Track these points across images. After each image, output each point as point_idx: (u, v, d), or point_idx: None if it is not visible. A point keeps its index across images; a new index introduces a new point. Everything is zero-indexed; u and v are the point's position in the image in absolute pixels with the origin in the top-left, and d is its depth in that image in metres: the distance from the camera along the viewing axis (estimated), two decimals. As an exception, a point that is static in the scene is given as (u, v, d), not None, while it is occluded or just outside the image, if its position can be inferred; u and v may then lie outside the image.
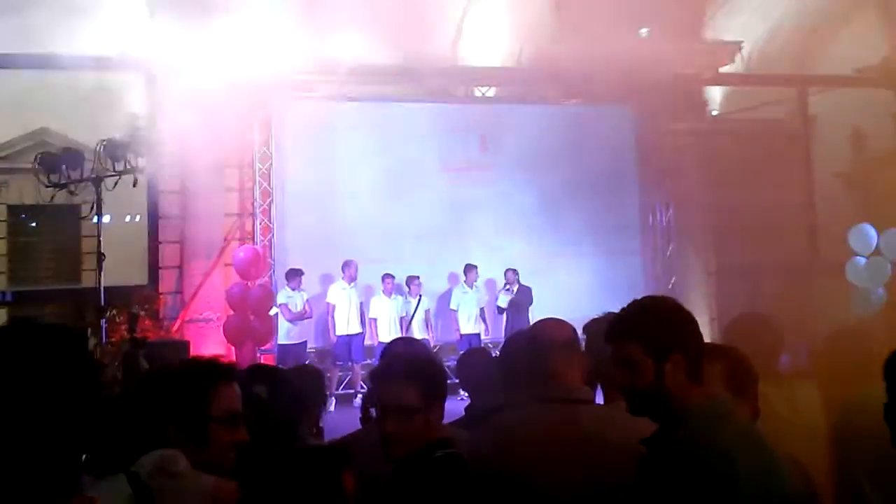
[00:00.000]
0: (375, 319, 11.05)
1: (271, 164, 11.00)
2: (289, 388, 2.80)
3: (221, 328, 10.15)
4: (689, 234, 12.52)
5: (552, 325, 2.83)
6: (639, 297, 2.26)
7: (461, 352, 10.43)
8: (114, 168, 8.12)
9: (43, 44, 12.22)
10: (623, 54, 11.91)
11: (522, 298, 11.16)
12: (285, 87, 11.13)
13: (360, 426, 3.32)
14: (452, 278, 11.67)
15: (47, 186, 8.27)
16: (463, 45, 16.57)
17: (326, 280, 11.18)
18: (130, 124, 10.96)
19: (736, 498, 1.89)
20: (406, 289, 11.28)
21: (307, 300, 10.72)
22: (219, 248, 10.70)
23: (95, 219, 8.23)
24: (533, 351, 2.73)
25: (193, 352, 9.03)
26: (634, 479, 2.12)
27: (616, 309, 2.25)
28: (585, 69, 11.95)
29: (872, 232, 12.20)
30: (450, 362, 8.51)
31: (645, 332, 2.09)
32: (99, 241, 8.18)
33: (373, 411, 2.67)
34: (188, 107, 10.61)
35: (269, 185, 10.98)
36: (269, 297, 10.24)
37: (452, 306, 11.42)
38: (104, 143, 8.17)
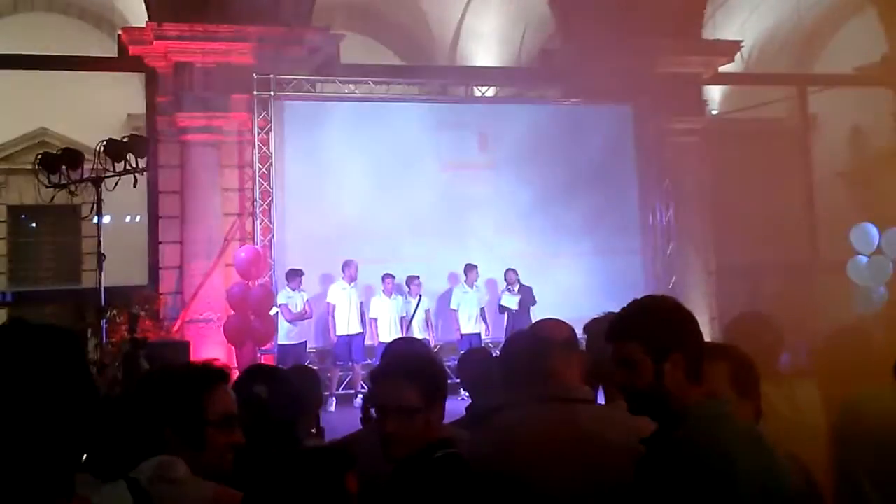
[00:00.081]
0: (376, 319, 11.05)
1: (271, 163, 11.00)
2: (288, 387, 2.80)
3: (222, 328, 10.15)
4: (690, 234, 12.51)
5: (551, 325, 2.84)
6: (639, 296, 2.26)
7: (461, 352, 10.46)
8: (114, 168, 8.12)
9: (43, 44, 12.25)
10: (622, 53, 11.94)
11: (526, 298, 11.18)
12: (285, 86, 11.13)
13: (360, 426, 3.33)
14: (453, 278, 11.67)
15: (47, 187, 8.26)
16: (462, 45, 16.60)
17: (326, 280, 11.17)
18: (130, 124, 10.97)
19: (735, 497, 1.89)
20: (406, 289, 11.28)
21: (307, 300, 10.72)
22: (219, 249, 10.70)
23: (95, 219, 8.22)
24: (532, 350, 2.73)
25: (194, 352, 9.05)
26: (633, 479, 2.12)
27: (616, 308, 2.25)
28: (585, 68, 11.97)
29: (874, 231, 12.20)
30: (450, 362, 8.51)
31: (644, 332, 2.09)
32: (99, 242, 8.17)
33: (373, 411, 2.67)
34: (188, 106, 10.68)
35: (268, 185, 10.98)
36: (269, 297, 10.24)
37: (453, 306, 11.42)
38: (104, 143, 8.16)
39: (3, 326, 1.44)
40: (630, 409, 2.16)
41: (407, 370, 2.44)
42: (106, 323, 8.52)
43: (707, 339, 2.22)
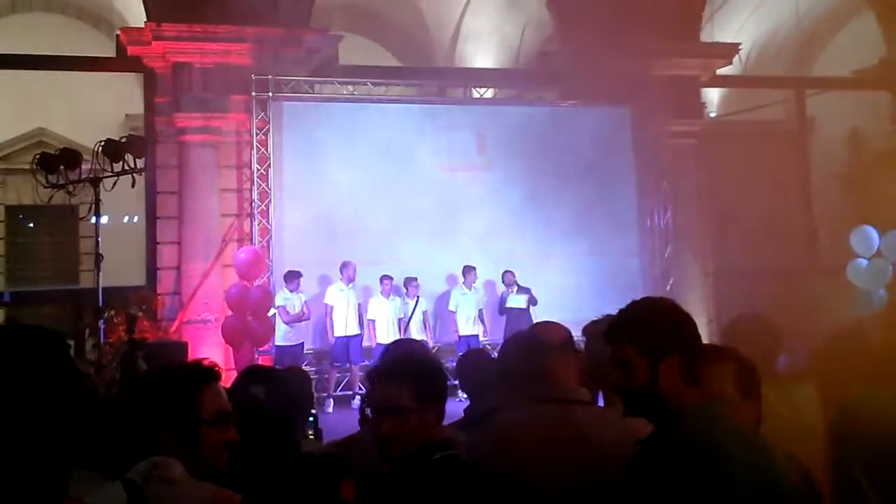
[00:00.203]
0: (373, 321, 11.05)
1: (269, 164, 11.00)
2: (285, 388, 2.80)
3: (219, 329, 10.14)
4: (687, 236, 12.52)
5: (549, 328, 2.85)
6: (637, 298, 2.26)
7: (459, 353, 10.47)
8: (112, 169, 8.11)
9: (41, 44, 12.24)
10: (620, 55, 11.95)
11: (528, 299, 11.23)
12: (283, 87, 11.13)
13: (358, 427, 3.32)
14: (451, 279, 11.67)
15: (45, 187, 8.24)
16: (461, 46, 16.61)
17: (324, 281, 11.17)
18: (128, 125, 10.94)
19: (732, 498, 1.89)
20: (404, 290, 11.28)
21: (305, 302, 10.72)
22: (217, 249, 10.69)
23: (93, 219, 8.20)
24: (530, 352, 2.74)
25: (192, 353, 9.04)
26: (625, 478, 2.12)
27: (614, 310, 2.26)
28: (583, 70, 11.98)
29: (874, 234, 12.21)
30: (448, 363, 8.51)
31: (640, 333, 2.10)
32: (97, 242, 8.15)
33: (368, 412, 2.67)
34: (187, 107, 10.67)
35: (266, 185, 10.98)
36: (267, 298, 10.23)
37: (451, 307, 11.43)
38: (102, 143, 8.15)
39: None
40: (626, 410, 2.16)
41: (401, 371, 2.44)
42: (104, 323, 8.50)
43: (705, 341, 2.22)
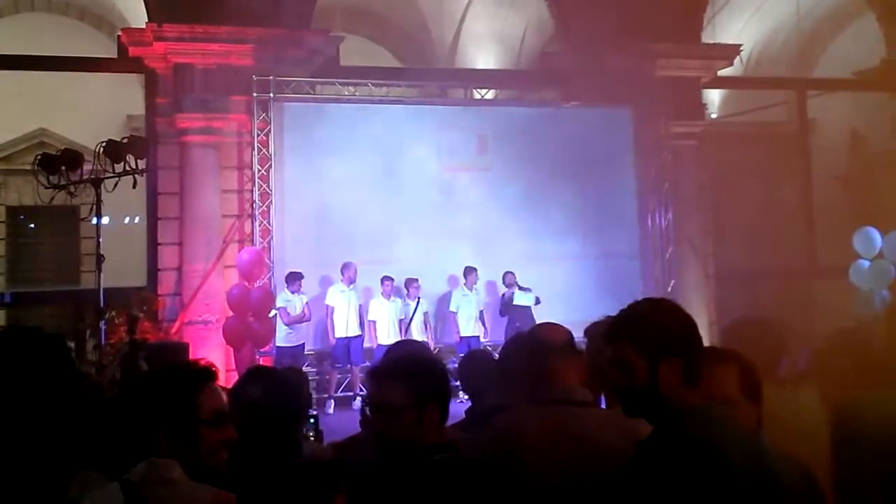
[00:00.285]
0: (374, 322, 11.05)
1: (270, 165, 11.00)
2: (285, 388, 2.81)
3: (220, 330, 10.14)
4: (689, 237, 12.52)
5: (550, 329, 2.86)
6: (638, 299, 2.26)
7: (460, 354, 10.49)
8: (113, 169, 8.11)
9: (43, 45, 12.24)
10: (622, 56, 11.96)
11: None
12: (285, 88, 11.13)
13: (359, 428, 3.32)
14: (452, 281, 11.67)
15: (46, 188, 8.24)
16: (462, 47, 16.62)
17: (325, 282, 11.17)
18: (129, 125, 10.93)
19: (730, 498, 1.89)
20: (405, 291, 11.28)
21: (307, 303, 10.72)
22: (218, 250, 10.69)
23: (95, 220, 8.20)
24: (531, 353, 2.74)
25: (193, 354, 9.03)
26: (624, 478, 2.12)
27: (615, 312, 2.26)
28: (584, 71, 11.98)
29: (877, 235, 12.20)
30: (450, 365, 8.51)
31: (640, 334, 2.10)
32: (98, 243, 8.15)
33: (367, 411, 2.68)
34: (188, 108, 10.67)
35: (268, 186, 10.98)
36: (268, 299, 10.23)
37: (452, 308, 11.42)
38: (103, 144, 8.16)
39: None
40: (626, 410, 2.16)
41: (396, 370, 2.44)
42: (105, 324, 8.50)
43: (706, 343, 2.22)
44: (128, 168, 8.11)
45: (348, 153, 11.31)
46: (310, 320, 10.82)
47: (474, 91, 12.88)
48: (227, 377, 9.77)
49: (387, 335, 10.83)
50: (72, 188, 8.26)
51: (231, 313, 10.09)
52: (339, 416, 10.13)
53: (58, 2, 16.13)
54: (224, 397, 2.28)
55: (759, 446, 2.04)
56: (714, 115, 16.67)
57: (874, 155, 15.26)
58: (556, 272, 11.73)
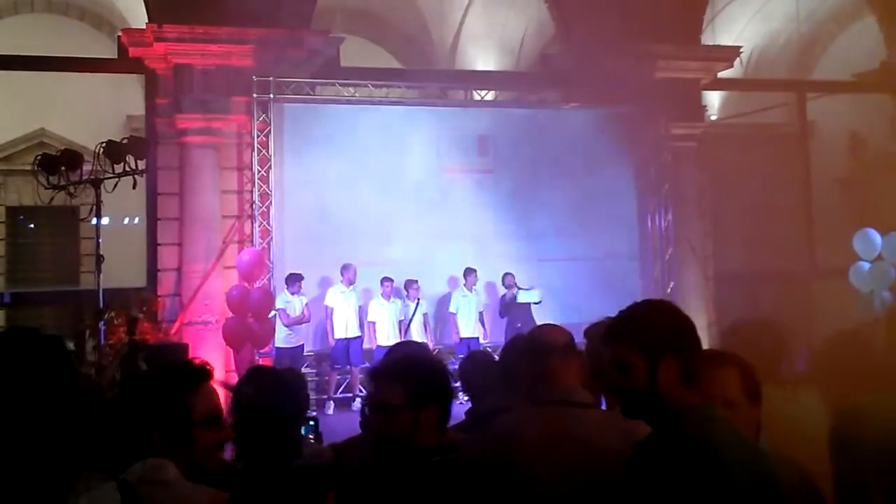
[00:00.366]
0: (374, 323, 11.05)
1: (270, 166, 11.00)
2: (285, 389, 2.81)
3: (220, 331, 10.13)
4: (688, 239, 12.52)
5: (550, 330, 2.86)
6: (637, 300, 2.27)
7: (460, 355, 10.49)
8: (113, 170, 8.11)
9: (43, 45, 12.24)
10: (622, 58, 11.96)
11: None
12: (285, 88, 11.13)
13: (359, 430, 3.32)
14: (452, 282, 11.67)
15: (46, 188, 8.24)
16: (462, 48, 16.63)
17: (325, 283, 11.17)
18: (129, 126, 10.91)
19: (727, 499, 1.89)
20: (404, 292, 11.28)
21: (306, 304, 10.71)
22: (217, 251, 10.69)
23: (94, 220, 8.20)
24: (532, 354, 2.75)
25: (192, 354, 9.03)
26: (623, 479, 2.13)
27: (615, 313, 2.26)
28: (584, 73, 11.98)
29: (877, 236, 12.19)
30: (450, 366, 8.49)
31: (639, 335, 2.10)
32: (98, 243, 8.15)
33: (366, 410, 2.68)
34: (188, 108, 10.67)
35: (267, 187, 10.98)
36: (268, 299, 10.23)
37: (452, 309, 11.43)
38: (103, 144, 8.16)
39: None
40: (624, 411, 2.17)
41: (393, 369, 2.46)
42: (104, 325, 8.50)
43: (705, 344, 2.22)
44: (127, 168, 8.10)
45: (348, 154, 11.31)
46: (309, 321, 10.82)
47: (474, 92, 12.89)
48: (226, 378, 9.78)
49: (386, 336, 10.83)
50: (71, 188, 8.26)
51: (231, 314, 10.09)
52: (339, 417, 10.13)
53: (58, 2, 16.14)
54: (219, 397, 2.28)
55: (757, 447, 2.04)
56: (714, 117, 16.68)
57: (874, 157, 15.27)
58: (555, 273, 11.73)
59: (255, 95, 10.87)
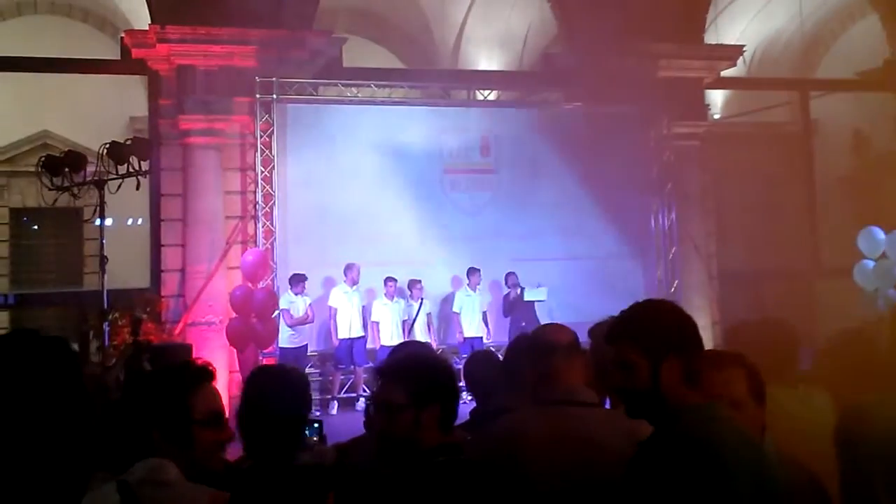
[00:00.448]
0: (377, 323, 11.05)
1: (273, 166, 11.00)
2: (294, 388, 2.81)
3: (224, 331, 10.14)
4: (692, 238, 12.51)
5: (554, 329, 2.86)
6: (640, 300, 2.27)
7: (464, 355, 10.50)
8: (116, 171, 8.12)
9: (46, 47, 12.26)
10: (624, 57, 11.95)
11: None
12: (287, 89, 11.14)
13: (363, 429, 3.32)
14: (456, 281, 11.67)
15: (50, 189, 8.25)
16: (464, 48, 16.62)
17: (328, 283, 11.18)
18: (132, 127, 10.91)
19: (731, 497, 1.89)
20: (408, 292, 11.28)
21: (310, 304, 10.72)
22: (221, 252, 10.70)
23: (98, 222, 8.21)
24: (536, 354, 2.75)
25: (196, 355, 9.04)
26: (625, 477, 2.13)
27: (619, 312, 2.26)
28: (586, 72, 11.98)
29: (881, 235, 12.16)
30: (455, 365, 8.49)
31: (641, 334, 2.11)
32: (101, 244, 8.16)
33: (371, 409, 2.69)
34: (191, 109, 10.69)
35: (270, 188, 10.98)
36: (271, 300, 10.24)
37: (455, 309, 11.43)
38: (107, 145, 8.17)
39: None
40: (627, 411, 2.17)
41: (397, 369, 2.46)
42: (108, 326, 8.50)
43: (709, 344, 2.23)
44: (131, 170, 8.11)
45: (351, 154, 11.32)
46: (313, 322, 10.83)
47: (477, 92, 12.89)
48: (230, 378, 9.80)
49: (390, 336, 10.83)
50: (75, 190, 8.27)
51: (234, 315, 10.10)
52: (343, 418, 10.14)
53: (61, 4, 16.15)
54: (221, 398, 2.29)
55: (757, 446, 2.04)
56: (717, 116, 16.66)
57: (877, 155, 15.25)
58: (559, 273, 11.73)
59: (257, 96, 10.88)
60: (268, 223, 10.95)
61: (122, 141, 8.35)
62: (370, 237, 11.23)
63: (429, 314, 11.37)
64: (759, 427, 2.30)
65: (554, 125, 12.28)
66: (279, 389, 2.71)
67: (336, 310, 10.88)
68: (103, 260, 8.12)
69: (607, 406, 2.83)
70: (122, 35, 11.28)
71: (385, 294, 11.12)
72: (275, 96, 11.00)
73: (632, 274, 12.29)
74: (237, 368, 10.02)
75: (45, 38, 14.08)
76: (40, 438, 1.36)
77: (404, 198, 11.47)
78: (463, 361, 8.48)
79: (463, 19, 16.29)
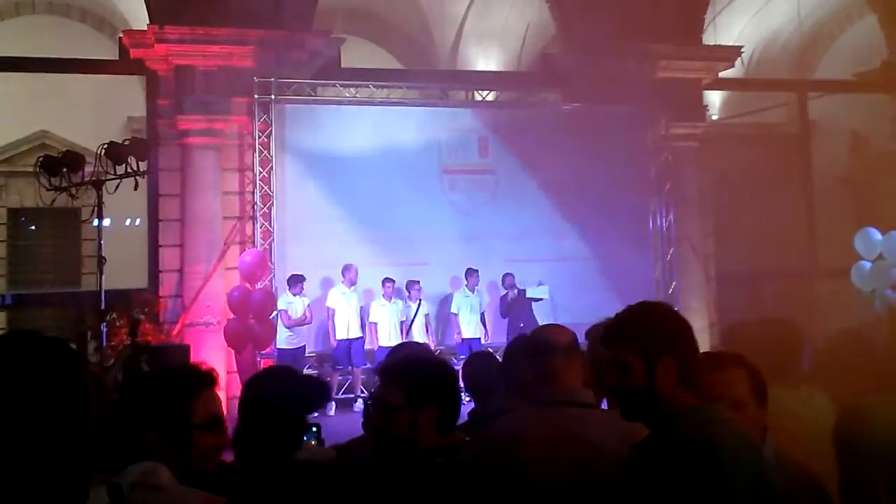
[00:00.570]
0: (375, 324, 11.05)
1: (271, 167, 11.00)
2: (297, 388, 2.81)
3: (222, 332, 10.14)
4: (689, 239, 12.51)
5: (552, 330, 2.86)
6: (637, 301, 2.27)
7: (462, 356, 10.50)
8: (115, 171, 8.11)
9: (44, 47, 12.25)
10: (623, 58, 11.96)
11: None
12: (286, 89, 11.14)
13: (361, 431, 3.32)
14: (454, 282, 11.67)
15: (48, 189, 8.25)
16: (463, 49, 16.63)
17: (326, 284, 11.17)
18: (130, 127, 10.90)
19: (725, 498, 1.89)
20: (406, 293, 11.28)
21: (308, 305, 10.72)
22: (219, 252, 10.69)
23: (96, 222, 8.21)
24: (535, 354, 2.75)
25: (194, 356, 9.04)
26: (621, 479, 2.13)
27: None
28: (585, 73, 11.98)
29: (878, 235, 12.18)
30: (454, 366, 8.49)
31: (637, 336, 2.12)
32: (99, 245, 8.16)
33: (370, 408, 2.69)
34: (189, 109, 10.68)
35: (269, 188, 10.98)
36: (269, 300, 10.24)
37: (453, 310, 11.43)
38: (105, 146, 8.16)
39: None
40: (623, 413, 2.17)
41: (393, 370, 2.46)
42: (106, 326, 8.50)
43: (706, 345, 2.23)
44: (129, 170, 8.11)
45: (349, 155, 11.32)
46: (311, 323, 10.82)
47: (475, 92, 12.89)
48: (228, 380, 9.79)
49: (388, 337, 10.83)
50: (73, 190, 8.27)
51: (232, 315, 10.09)
52: (341, 419, 10.12)
53: (59, 4, 16.15)
54: (221, 403, 2.28)
55: (755, 447, 2.04)
56: (715, 117, 16.67)
57: (875, 156, 15.26)
58: (556, 274, 11.73)
59: (256, 96, 10.87)
60: (266, 224, 10.95)
61: (120, 141, 8.35)
62: (368, 238, 11.23)
63: (427, 315, 11.37)
64: (761, 428, 2.30)
65: (552, 126, 12.27)
66: (286, 389, 2.71)
67: (334, 310, 10.87)
68: (101, 260, 8.11)
69: (604, 407, 2.84)
70: (121, 35, 11.28)
71: (383, 295, 11.11)
72: (273, 97, 11.00)
73: (630, 275, 12.27)
74: (235, 369, 10.01)
75: (44, 38, 14.07)
76: (43, 441, 1.36)
77: (403, 198, 11.46)
78: (461, 362, 8.49)
79: (461, 19, 16.29)
